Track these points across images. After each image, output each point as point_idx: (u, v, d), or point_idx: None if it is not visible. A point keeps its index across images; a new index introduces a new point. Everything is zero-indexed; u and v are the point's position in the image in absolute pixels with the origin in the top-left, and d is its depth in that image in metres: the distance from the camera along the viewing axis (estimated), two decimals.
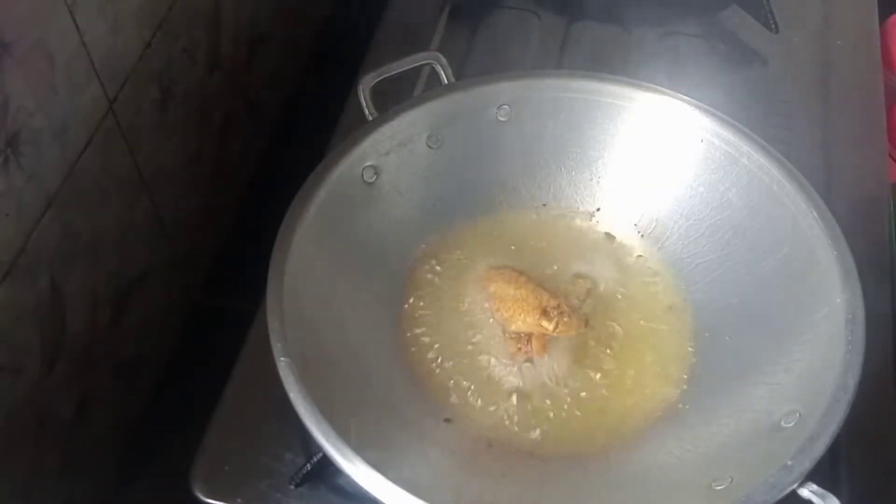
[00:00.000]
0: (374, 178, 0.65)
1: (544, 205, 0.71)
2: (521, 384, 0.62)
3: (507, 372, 0.63)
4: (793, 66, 0.86)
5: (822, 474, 0.51)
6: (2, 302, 0.61)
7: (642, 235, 0.70)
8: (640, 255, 0.69)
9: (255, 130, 0.97)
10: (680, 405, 0.62)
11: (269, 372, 0.53)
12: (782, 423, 0.54)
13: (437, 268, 0.68)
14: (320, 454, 0.58)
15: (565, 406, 0.62)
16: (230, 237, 0.95)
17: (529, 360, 0.63)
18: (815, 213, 0.60)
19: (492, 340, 0.64)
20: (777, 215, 0.63)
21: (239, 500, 0.60)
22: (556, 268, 0.68)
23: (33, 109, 0.59)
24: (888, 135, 0.83)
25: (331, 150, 0.64)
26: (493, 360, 0.63)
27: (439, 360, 0.63)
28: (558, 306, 0.63)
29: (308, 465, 0.59)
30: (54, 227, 0.64)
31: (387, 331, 0.64)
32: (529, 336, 0.63)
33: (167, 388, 0.87)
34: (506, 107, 0.68)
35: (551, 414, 0.61)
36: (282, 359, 0.53)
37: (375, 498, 0.49)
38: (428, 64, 0.69)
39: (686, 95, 0.67)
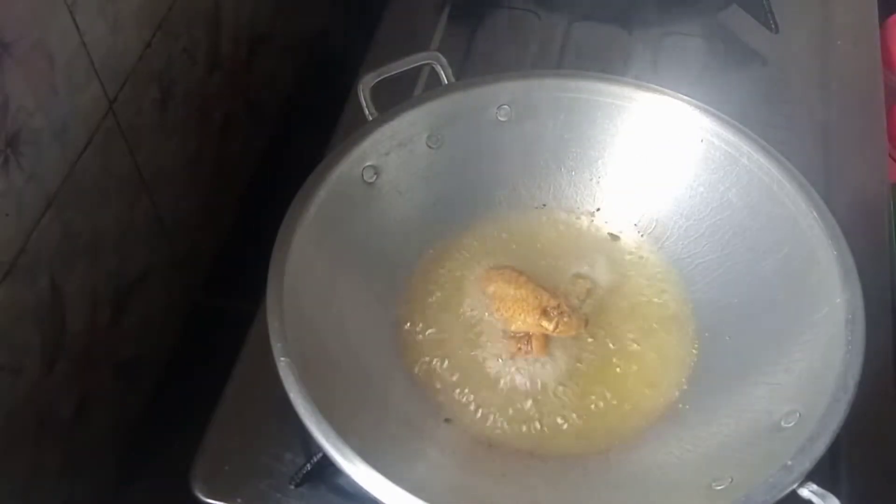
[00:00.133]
0: (374, 178, 0.65)
1: (544, 205, 0.71)
2: (521, 384, 0.62)
3: (507, 372, 0.63)
4: (793, 66, 0.86)
5: (822, 474, 0.51)
6: (2, 302, 0.61)
7: (642, 235, 0.70)
8: (640, 256, 0.69)
9: (255, 130, 0.97)
10: (680, 405, 0.62)
11: (269, 372, 0.53)
12: (782, 423, 0.54)
13: (437, 268, 0.68)
14: (320, 454, 0.58)
15: (565, 406, 0.62)
16: (230, 237, 0.95)
17: (529, 359, 0.63)
18: (815, 213, 0.60)
19: (492, 340, 0.64)
20: (777, 215, 0.63)
21: (239, 500, 0.60)
22: (556, 268, 0.68)
23: (33, 109, 0.59)
24: (888, 135, 0.83)
25: (331, 150, 0.64)
26: (493, 360, 0.63)
27: (439, 360, 0.63)
28: (558, 306, 0.63)
29: (308, 465, 0.59)
30: (54, 226, 0.64)
31: (387, 331, 0.64)
32: (529, 336, 0.63)
33: (167, 388, 0.87)
34: (506, 107, 0.68)
35: (551, 414, 0.61)
36: (282, 359, 0.53)
37: (375, 498, 0.49)
38: (428, 64, 0.69)
39: (686, 95, 0.67)
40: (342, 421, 0.51)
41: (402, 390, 0.62)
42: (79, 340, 0.71)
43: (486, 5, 0.90)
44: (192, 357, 0.87)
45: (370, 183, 0.65)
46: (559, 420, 0.61)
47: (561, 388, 0.62)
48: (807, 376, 0.57)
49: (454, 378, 0.63)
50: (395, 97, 0.67)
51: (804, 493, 0.51)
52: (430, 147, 0.67)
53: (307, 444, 0.61)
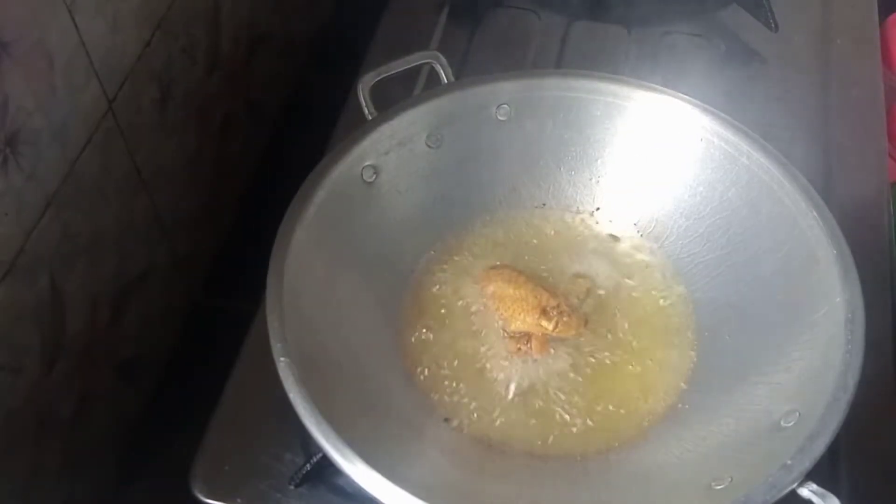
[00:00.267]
0: (374, 177, 0.65)
1: (544, 204, 0.71)
2: (520, 384, 0.62)
3: (506, 372, 0.63)
4: (793, 66, 0.86)
5: (822, 474, 0.51)
6: (2, 301, 0.61)
7: (642, 235, 0.70)
8: (640, 255, 0.69)
9: (255, 130, 0.97)
10: (680, 405, 0.62)
11: (268, 372, 0.53)
12: (782, 422, 0.54)
13: (437, 267, 0.68)
14: (320, 454, 0.58)
15: (565, 406, 0.62)
16: (230, 237, 0.95)
17: (529, 359, 0.63)
18: (815, 213, 0.60)
19: (491, 340, 0.64)
20: (777, 215, 0.62)
21: (239, 500, 0.60)
22: (555, 267, 0.68)
23: (32, 109, 0.59)
24: (888, 135, 0.83)
25: (330, 149, 0.64)
26: (492, 360, 0.63)
27: (439, 360, 0.63)
28: (558, 306, 0.63)
29: (308, 465, 0.59)
30: (54, 226, 0.64)
31: (387, 330, 0.64)
32: (529, 336, 0.63)
33: (167, 388, 0.87)
34: (505, 106, 0.68)
35: (551, 414, 0.61)
36: (281, 359, 0.53)
37: (375, 498, 0.49)
38: (428, 63, 0.69)
39: (686, 95, 0.67)
40: (342, 421, 0.51)
41: (402, 390, 0.62)
42: (79, 340, 0.71)
43: (486, 5, 0.90)
44: (191, 357, 0.87)
45: (370, 182, 0.65)
46: (559, 420, 0.61)
47: (561, 388, 0.62)
48: (806, 376, 0.56)
49: (454, 378, 0.63)
50: (395, 96, 0.67)
51: (804, 492, 0.51)
52: (429, 146, 0.67)
53: (307, 444, 0.61)
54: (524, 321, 0.63)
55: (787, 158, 0.63)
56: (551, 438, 0.60)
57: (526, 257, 0.68)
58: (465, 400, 0.62)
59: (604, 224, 0.70)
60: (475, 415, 0.61)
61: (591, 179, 0.70)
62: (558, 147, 0.70)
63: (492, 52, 0.86)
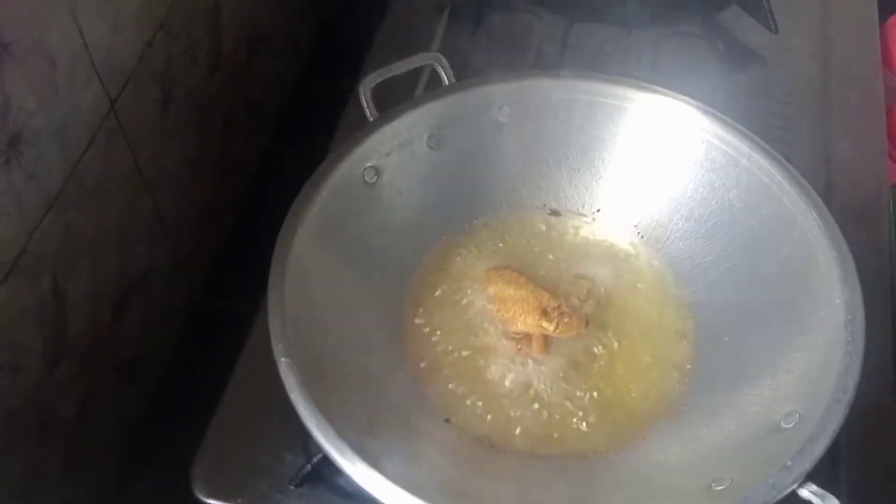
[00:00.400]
0: (375, 178, 0.65)
1: (545, 205, 0.71)
2: (521, 385, 0.63)
3: (507, 372, 0.63)
4: (793, 66, 0.86)
5: (822, 474, 0.51)
6: (3, 302, 0.61)
7: (642, 236, 0.70)
8: (641, 256, 0.69)
9: (256, 131, 0.97)
10: (680, 406, 0.62)
11: (269, 372, 0.53)
12: (782, 423, 0.55)
13: (438, 268, 0.68)
14: (320, 454, 0.58)
15: (566, 406, 0.62)
16: (231, 237, 0.95)
17: (530, 360, 0.63)
18: (814, 214, 0.60)
19: (492, 341, 0.64)
20: (777, 215, 0.63)
21: (239, 501, 0.60)
22: (556, 268, 0.68)
23: (34, 110, 0.59)
24: (888, 135, 0.83)
25: (332, 150, 0.64)
26: (493, 361, 0.63)
27: (439, 361, 0.63)
28: (558, 307, 0.63)
29: (308, 466, 0.59)
30: (56, 227, 0.64)
31: (387, 331, 0.64)
32: (530, 337, 0.64)
33: (168, 388, 0.87)
34: (506, 107, 0.68)
35: (551, 414, 0.61)
36: (282, 359, 0.53)
37: (375, 498, 0.50)
38: (429, 65, 0.70)
39: (686, 95, 0.67)
40: (342, 421, 0.51)
41: (403, 391, 0.62)
42: (80, 340, 0.71)
43: (487, 6, 0.90)
44: (193, 357, 0.88)
45: (371, 183, 0.65)
46: (559, 420, 0.61)
47: (561, 389, 0.62)
48: (806, 377, 0.57)
49: (454, 378, 0.63)
50: (396, 98, 0.67)
51: (804, 493, 0.51)
52: (430, 148, 0.67)
53: (307, 444, 0.61)
54: (525, 322, 0.63)
55: (786, 160, 0.63)
56: (552, 439, 0.61)
57: (526, 258, 0.69)
58: (466, 401, 0.62)
59: (604, 225, 0.71)
60: (475, 415, 0.61)
61: (591, 181, 0.70)
62: (559, 148, 0.70)
63: (493, 54, 0.86)
